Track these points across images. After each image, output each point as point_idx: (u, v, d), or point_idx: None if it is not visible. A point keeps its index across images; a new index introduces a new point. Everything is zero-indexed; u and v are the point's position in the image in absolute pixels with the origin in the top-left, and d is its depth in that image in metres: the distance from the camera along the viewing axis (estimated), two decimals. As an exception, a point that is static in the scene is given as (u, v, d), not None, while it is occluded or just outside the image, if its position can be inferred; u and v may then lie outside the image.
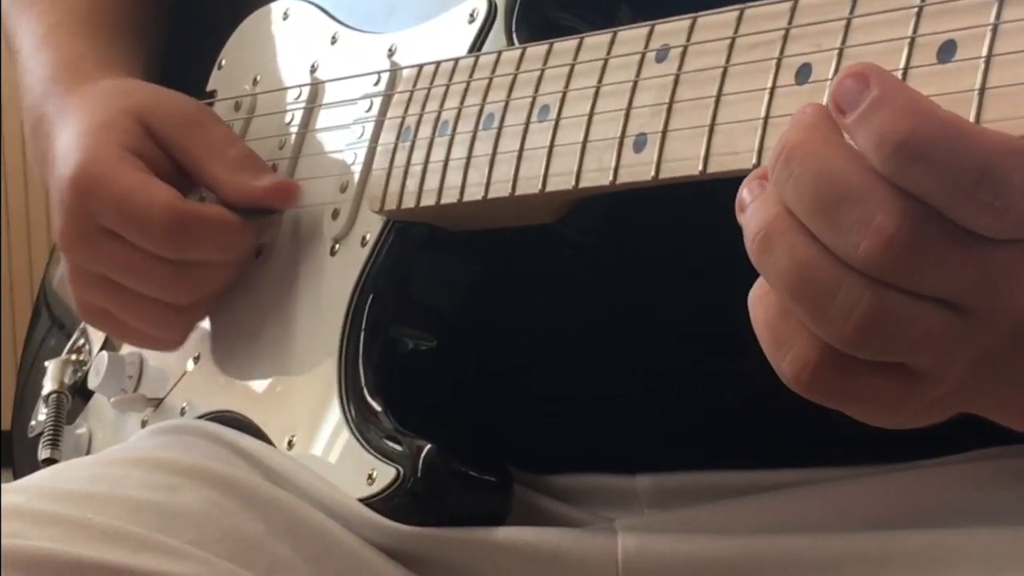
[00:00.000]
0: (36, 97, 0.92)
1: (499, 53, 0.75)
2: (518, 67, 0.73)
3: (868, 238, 0.49)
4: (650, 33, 0.67)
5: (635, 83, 0.66)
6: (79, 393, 0.97)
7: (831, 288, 0.50)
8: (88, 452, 0.96)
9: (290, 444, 0.79)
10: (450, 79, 0.76)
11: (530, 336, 0.79)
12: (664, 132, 0.64)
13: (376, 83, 0.82)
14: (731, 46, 0.62)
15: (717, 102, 0.62)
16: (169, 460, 0.77)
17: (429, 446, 0.73)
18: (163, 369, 0.91)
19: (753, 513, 0.73)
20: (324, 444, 0.77)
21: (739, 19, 0.62)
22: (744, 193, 0.54)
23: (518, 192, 0.71)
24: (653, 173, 0.64)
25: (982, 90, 0.51)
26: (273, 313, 0.85)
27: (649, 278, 0.76)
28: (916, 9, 0.55)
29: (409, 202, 0.77)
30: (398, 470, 0.73)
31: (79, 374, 0.97)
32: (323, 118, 0.87)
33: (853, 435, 0.60)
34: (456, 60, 0.77)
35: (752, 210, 0.53)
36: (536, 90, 0.71)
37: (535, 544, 0.72)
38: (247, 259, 0.86)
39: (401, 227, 0.79)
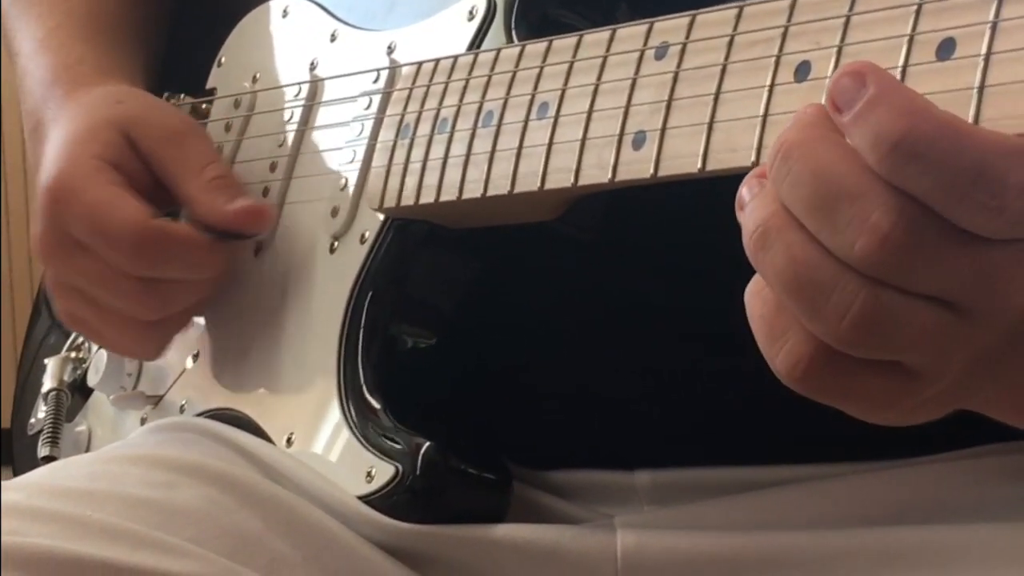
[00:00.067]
0: (35, 100, 0.92)
1: (498, 50, 0.75)
2: (517, 64, 0.73)
3: (864, 236, 0.49)
4: (649, 30, 0.67)
5: (634, 80, 0.66)
6: (79, 391, 0.97)
7: (827, 286, 0.50)
8: (87, 450, 0.96)
9: (289, 442, 0.79)
10: (449, 76, 0.76)
11: (529, 333, 0.79)
12: (663, 129, 0.64)
13: (375, 80, 0.82)
14: (730, 43, 0.62)
15: (716, 99, 0.62)
16: (168, 457, 0.77)
17: (428, 443, 0.73)
18: (162, 367, 0.91)
19: (752, 509, 0.73)
20: (323, 442, 0.77)
21: (738, 16, 0.62)
22: (744, 191, 0.54)
23: (517, 189, 0.71)
24: (652, 171, 0.64)
25: (981, 88, 0.51)
26: (272, 311, 0.84)
27: (648, 275, 0.76)
28: (915, 7, 0.54)
29: (408, 199, 0.77)
30: (397, 467, 0.73)
31: (79, 372, 0.97)
32: (322, 115, 0.86)
33: (852, 432, 0.60)
34: (455, 57, 0.77)
35: (750, 208, 0.53)
36: (535, 87, 0.71)
37: (534, 541, 0.72)
38: (220, 276, 0.85)
39: (400, 224, 0.79)
